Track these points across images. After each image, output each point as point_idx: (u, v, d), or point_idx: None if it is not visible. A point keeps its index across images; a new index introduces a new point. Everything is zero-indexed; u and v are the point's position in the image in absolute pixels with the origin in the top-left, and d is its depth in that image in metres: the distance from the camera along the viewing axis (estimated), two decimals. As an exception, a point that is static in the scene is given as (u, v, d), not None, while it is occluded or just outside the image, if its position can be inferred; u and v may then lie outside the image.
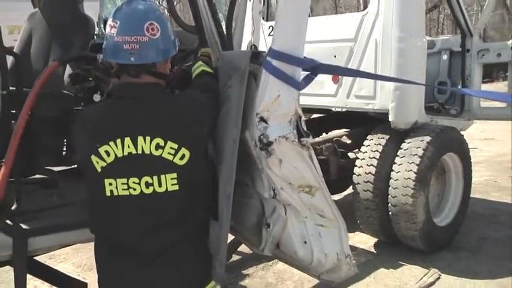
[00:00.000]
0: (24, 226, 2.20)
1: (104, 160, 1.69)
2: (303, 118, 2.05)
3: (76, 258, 4.56)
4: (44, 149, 2.88)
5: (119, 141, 1.68)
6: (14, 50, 3.36)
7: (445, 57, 5.58)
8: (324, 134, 5.24)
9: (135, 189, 1.69)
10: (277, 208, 2.00)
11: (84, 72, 2.71)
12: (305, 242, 2.07)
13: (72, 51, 3.12)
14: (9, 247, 2.12)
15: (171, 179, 1.69)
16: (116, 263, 1.83)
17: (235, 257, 4.40)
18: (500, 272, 4.16)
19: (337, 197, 6.12)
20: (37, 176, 2.93)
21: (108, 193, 1.70)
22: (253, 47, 2.21)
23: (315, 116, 5.92)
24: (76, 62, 3.01)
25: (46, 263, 3.38)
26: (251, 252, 4.30)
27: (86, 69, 2.81)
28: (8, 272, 4.07)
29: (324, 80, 4.76)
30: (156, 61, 1.77)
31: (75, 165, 2.78)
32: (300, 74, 1.97)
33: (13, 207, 2.16)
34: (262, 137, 1.90)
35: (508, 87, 5.18)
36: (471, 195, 5.08)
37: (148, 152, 1.68)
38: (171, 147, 1.68)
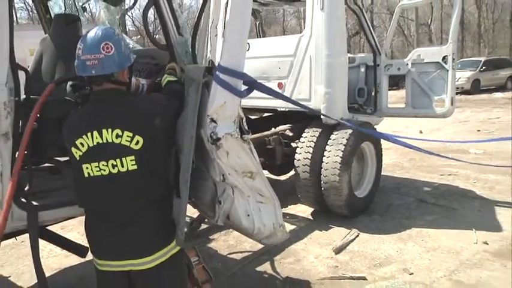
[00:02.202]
0: (35, 203, 2.20)
1: (80, 150, 1.74)
2: (244, 119, 2.04)
3: (80, 229, 4.31)
4: (52, 144, 2.77)
5: (89, 134, 1.72)
6: (30, 67, 3.24)
7: (362, 69, 5.61)
8: (272, 129, 5.17)
9: (105, 171, 1.73)
10: (227, 189, 2.01)
11: (82, 83, 2.66)
12: (248, 215, 2.10)
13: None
14: (25, 219, 2.14)
15: (130, 160, 1.71)
16: (97, 228, 1.87)
17: (203, 226, 4.31)
18: (399, 228, 4.26)
19: (283, 177, 6.12)
20: (46, 164, 2.89)
21: (86, 175, 1.75)
22: (210, 62, 2.12)
23: (266, 114, 5.85)
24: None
25: (58, 232, 3.33)
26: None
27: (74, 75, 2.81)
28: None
29: (271, 86, 4.68)
30: (113, 72, 1.77)
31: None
32: (241, 85, 1.99)
33: (26, 189, 2.17)
34: (212, 134, 1.92)
35: (406, 93, 5.24)
36: (382, 174, 5.13)
37: (111, 141, 1.71)
38: (127, 136, 1.71)
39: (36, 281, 2.60)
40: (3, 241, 2.37)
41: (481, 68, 19.16)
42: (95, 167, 1.72)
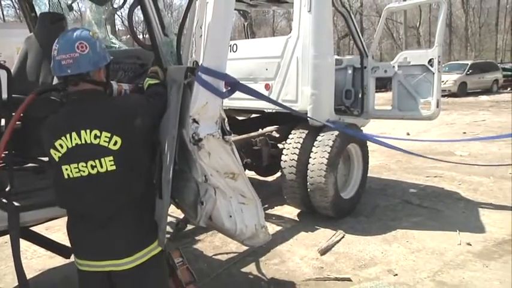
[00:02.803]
0: (16, 203, 2.14)
1: (59, 151, 1.73)
2: (226, 120, 2.02)
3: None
4: (36, 143, 2.74)
5: (68, 135, 1.72)
6: (14, 65, 3.21)
7: (349, 71, 5.62)
8: (259, 130, 5.16)
9: (84, 172, 1.72)
10: (209, 190, 1.99)
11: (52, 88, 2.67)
12: (230, 216, 2.09)
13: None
14: (5, 220, 2.08)
15: (109, 161, 1.71)
16: (78, 228, 1.87)
17: (189, 227, 4.29)
18: (384, 229, 4.30)
19: (269, 178, 6.12)
20: (30, 164, 2.83)
21: (66, 176, 1.74)
22: (194, 62, 2.11)
23: (253, 116, 5.84)
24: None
25: (43, 233, 3.28)
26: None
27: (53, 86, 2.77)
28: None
29: (259, 88, 4.70)
30: (88, 70, 1.78)
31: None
32: (223, 86, 1.96)
33: (7, 189, 2.12)
34: (194, 134, 1.91)
35: (392, 95, 5.29)
36: (368, 175, 5.16)
37: (90, 142, 1.71)
38: (105, 136, 1.70)
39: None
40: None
41: (468, 71, 19.45)
42: (74, 168, 1.72)
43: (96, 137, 1.70)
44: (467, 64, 20.26)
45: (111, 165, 1.71)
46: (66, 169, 1.73)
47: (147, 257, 1.85)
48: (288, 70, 4.57)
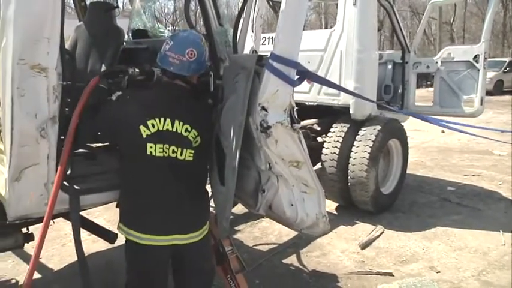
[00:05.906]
0: (76, 187, 2.19)
1: (149, 130, 1.91)
2: (295, 108, 2.00)
3: (107, 215, 4.46)
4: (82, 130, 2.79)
5: (162, 119, 1.91)
6: None
7: (389, 66, 5.55)
8: (298, 123, 5.12)
9: (166, 153, 1.92)
10: (271, 178, 2.02)
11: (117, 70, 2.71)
12: (292, 205, 2.09)
13: (107, 54, 3.06)
14: (65, 202, 2.13)
15: (190, 153, 1.95)
16: (145, 204, 1.99)
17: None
18: (423, 226, 4.25)
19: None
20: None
21: (148, 152, 1.92)
22: (254, 51, 2.12)
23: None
24: (111, 61, 3.00)
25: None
26: (241, 213, 4.26)
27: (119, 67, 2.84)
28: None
29: (299, 80, 4.66)
30: (188, 75, 1.99)
31: (108, 143, 2.80)
32: (294, 74, 1.96)
33: (68, 172, 2.15)
34: (262, 122, 1.93)
35: (434, 91, 5.17)
36: (405, 171, 5.06)
37: (180, 132, 1.93)
38: (194, 133, 1.95)
39: (64, 265, 2.55)
40: (34, 225, 2.44)
41: (506, 68, 18.76)
42: (160, 147, 1.91)
43: (186, 130, 1.93)
44: (505, 61, 19.51)
45: (189, 156, 1.95)
46: (151, 147, 1.90)
47: (204, 234, 2.10)
48: (331, 63, 4.53)
